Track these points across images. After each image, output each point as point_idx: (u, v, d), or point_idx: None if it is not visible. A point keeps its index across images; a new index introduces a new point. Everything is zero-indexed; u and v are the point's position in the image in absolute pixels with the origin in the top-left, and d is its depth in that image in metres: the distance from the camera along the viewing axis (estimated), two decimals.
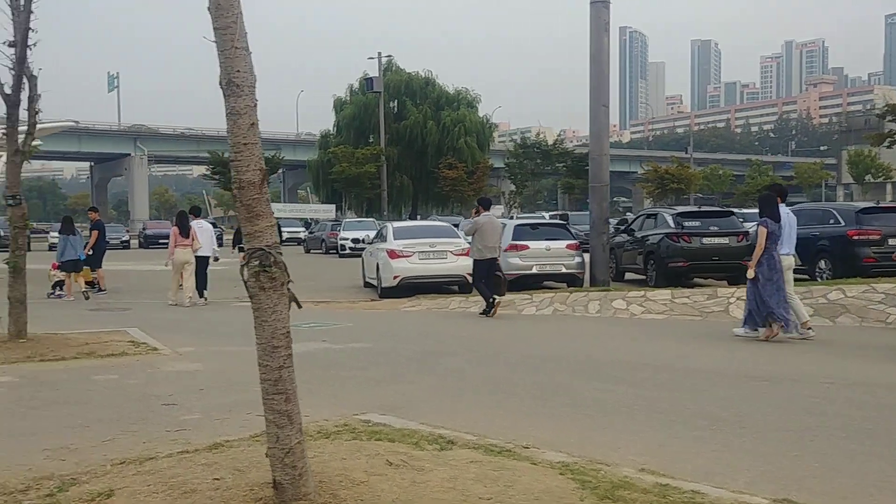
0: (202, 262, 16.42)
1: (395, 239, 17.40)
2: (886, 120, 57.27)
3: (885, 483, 4.52)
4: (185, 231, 16.00)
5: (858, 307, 11.55)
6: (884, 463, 4.89)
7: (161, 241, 39.11)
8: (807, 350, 9.51)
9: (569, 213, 40.72)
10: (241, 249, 17.40)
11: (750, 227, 15.93)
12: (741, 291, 11.61)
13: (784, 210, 10.52)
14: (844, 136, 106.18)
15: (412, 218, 56.38)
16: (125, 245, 47.02)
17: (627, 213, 52.51)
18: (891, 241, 15.24)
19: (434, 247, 17.09)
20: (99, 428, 5.71)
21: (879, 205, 19.29)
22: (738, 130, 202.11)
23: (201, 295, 16.29)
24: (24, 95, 9.29)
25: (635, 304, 13.37)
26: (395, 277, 16.79)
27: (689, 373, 8.14)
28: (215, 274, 17.52)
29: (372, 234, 26.13)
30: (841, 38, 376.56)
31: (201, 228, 16.56)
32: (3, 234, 24.67)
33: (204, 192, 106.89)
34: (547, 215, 38.81)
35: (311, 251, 40.58)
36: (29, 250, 10.13)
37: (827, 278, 14.95)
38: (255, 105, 3.67)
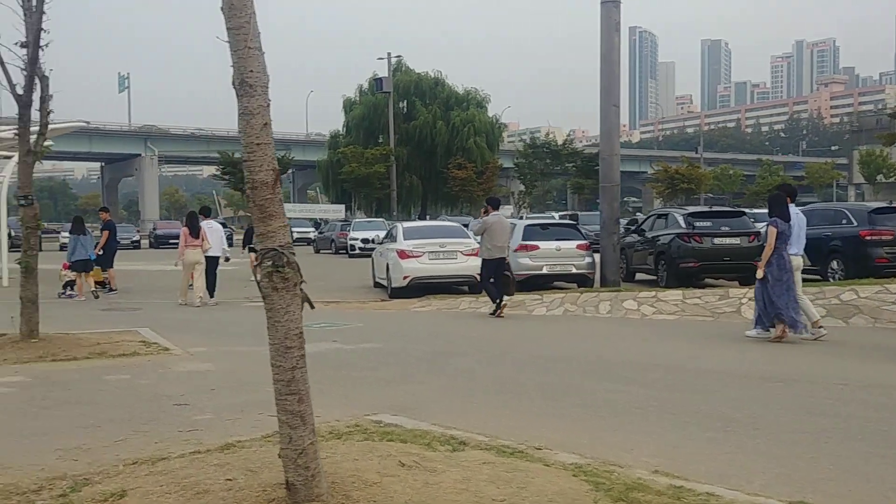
0: (212, 263, 16.46)
1: (405, 239, 17.39)
2: None
3: None
4: (195, 231, 16.05)
5: (872, 308, 11.46)
6: None
7: (171, 241, 39.28)
8: (820, 351, 9.45)
9: (578, 213, 40.61)
10: (251, 250, 17.46)
11: (761, 227, 15.86)
12: (753, 292, 11.54)
13: (794, 210, 10.46)
14: (855, 135, 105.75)
15: (421, 218, 56.39)
16: (136, 245, 47.22)
17: (637, 214, 52.40)
18: None
19: (444, 247, 17.08)
20: (111, 428, 5.71)
21: (892, 205, 19.15)
22: (749, 130, 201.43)
23: (212, 295, 16.32)
24: (36, 96, 9.32)
25: (646, 305, 13.32)
26: (405, 278, 16.78)
27: (701, 374, 8.10)
28: (225, 274, 17.56)
29: (381, 234, 26.15)
30: (852, 38, 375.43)
31: (211, 229, 16.60)
32: (13, 234, 24.71)
33: (214, 192, 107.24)
34: (556, 215, 38.71)
35: (321, 251, 40.63)
36: (40, 250, 10.15)
37: (839, 279, 14.87)
38: (268, 105, 3.65)
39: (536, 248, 17.04)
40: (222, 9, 3.60)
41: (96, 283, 17.96)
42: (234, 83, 3.61)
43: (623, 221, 21.85)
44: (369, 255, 22.16)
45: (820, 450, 5.20)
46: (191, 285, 16.21)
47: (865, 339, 10.39)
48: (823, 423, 5.90)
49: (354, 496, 3.76)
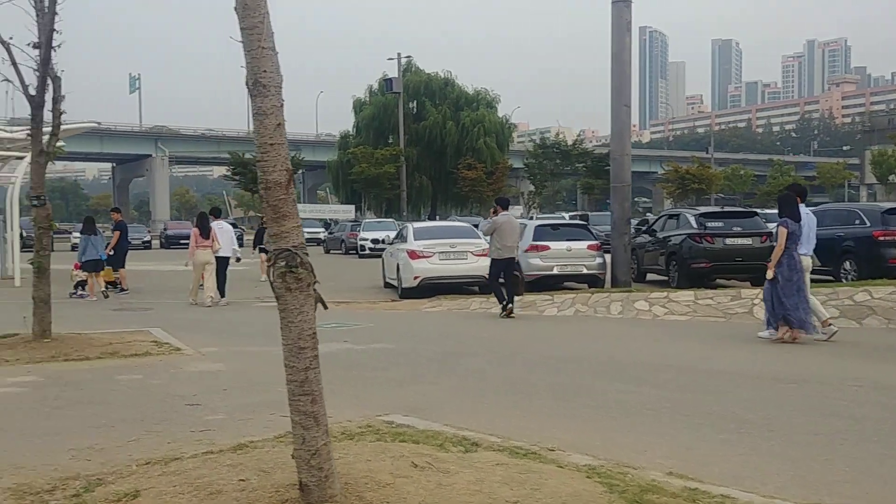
0: (222, 263, 16.50)
1: (415, 239, 17.39)
2: None
3: None
4: (205, 232, 16.10)
5: (885, 308, 11.38)
6: None
7: (182, 241, 39.40)
8: (833, 352, 9.39)
9: (589, 213, 40.53)
10: (261, 250, 17.50)
11: (772, 227, 15.79)
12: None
13: (804, 210, 10.40)
14: (867, 135, 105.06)
15: (431, 218, 56.39)
16: (146, 245, 47.41)
17: (647, 214, 52.27)
18: None
19: (454, 247, 17.07)
20: (123, 428, 5.72)
21: None
22: (760, 130, 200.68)
23: (223, 295, 16.36)
24: (49, 97, 9.36)
25: (658, 306, 13.27)
26: (415, 278, 16.78)
27: (713, 374, 8.05)
28: (236, 274, 17.60)
29: (391, 234, 26.18)
30: (864, 38, 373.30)
31: (221, 229, 16.64)
32: (25, 234, 24.83)
33: (224, 192, 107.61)
34: (567, 216, 38.65)
35: (331, 251, 40.68)
36: (52, 251, 10.19)
37: (852, 279, 14.78)
38: (282, 105, 3.64)
39: (547, 248, 17.01)
40: (236, 9, 3.60)
41: (107, 283, 18.04)
42: (247, 83, 3.61)
43: (633, 222, 21.80)
44: (379, 256, 22.17)
45: (835, 452, 5.16)
46: (202, 285, 16.27)
47: (879, 340, 10.32)
48: (838, 424, 5.86)
49: (368, 497, 3.75)
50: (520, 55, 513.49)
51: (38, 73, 9.14)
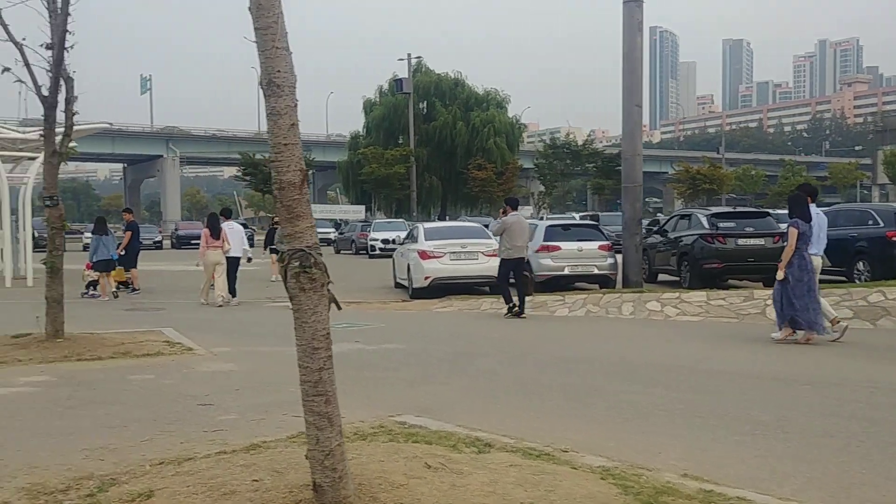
0: (233, 263, 16.54)
1: (426, 240, 17.38)
2: None
3: None
4: (215, 233, 16.16)
5: None
6: None
7: (193, 241, 39.58)
8: (848, 353, 9.32)
9: (599, 213, 40.43)
10: (272, 251, 17.52)
11: (783, 228, 15.71)
12: None
13: (814, 210, 10.34)
14: (880, 135, 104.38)
15: (441, 219, 56.41)
16: (158, 245, 47.61)
17: (658, 214, 52.14)
18: None
19: (465, 248, 17.06)
20: (136, 428, 5.73)
21: None
22: (771, 130, 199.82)
23: (234, 295, 16.40)
24: (62, 97, 9.38)
25: (670, 306, 13.22)
26: (426, 278, 16.78)
27: (726, 376, 8.00)
28: (247, 274, 17.64)
29: (401, 234, 26.18)
30: (876, 37, 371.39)
31: (232, 230, 16.70)
32: (37, 235, 24.96)
33: (235, 193, 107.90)
34: (577, 216, 38.56)
35: (342, 252, 40.74)
36: (64, 251, 10.22)
37: (865, 280, 14.69)
38: (296, 105, 3.63)
39: (558, 248, 16.98)
40: (250, 9, 3.59)
41: (119, 283, 18.12)
42: (261, 83, 3.60)
43: (644, 222, 21.73)
44: (389, 256, 22.18)
45: (851, 454, 5.11)
46: (212, 286, 16.32)
47: (894, 341, 10.25)
48: (853, 426, 5.81)
49: (382, 498, 3.74)
50: (520, 55, 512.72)
51: (50, 74, 9.17)
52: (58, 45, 9.02)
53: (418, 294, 17.02)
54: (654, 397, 6.89)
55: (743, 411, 6.31)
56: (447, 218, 56.02)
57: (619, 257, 17.18)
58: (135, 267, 18.88)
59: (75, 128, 10.09)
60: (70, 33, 9.08)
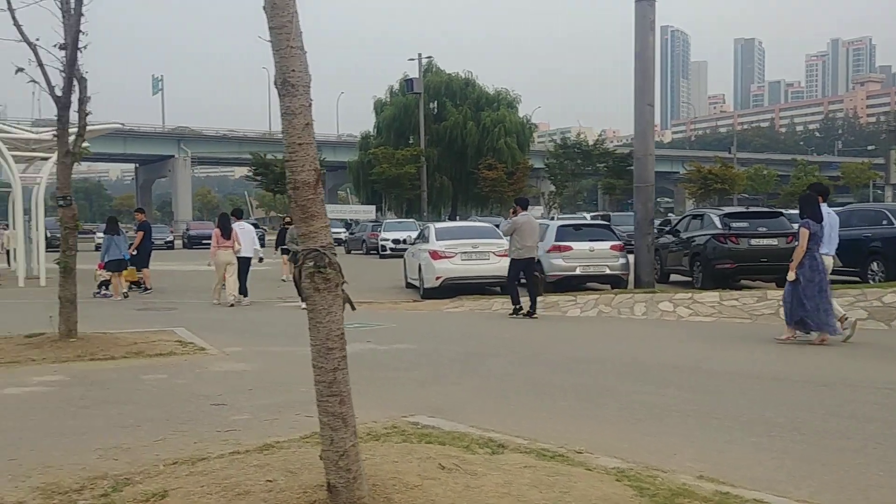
0: (244, 263, 16.57)
1: (437, 240, 17.37)
2: None
3: None
4: (226, 233, 16.20)
5: None
6: None
7: (204, 241, 39.70)
8: (863, 354, 9.25)
9: (611, 213, 40.32)
10: (283, 251, 17.49)
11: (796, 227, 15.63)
12: None
13: (825, 210, 10.28)
14: (893, 135, 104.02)
15: (452, 219, 56.40)
16: (169, 245, 47.80)
17: (669, 214, 51.93)
18: None
19: (476, 248, 17.04)
20: (150, 427, 5.73)
21: None
22: (783, 130, 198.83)
23: (245, 295, 16.43)
24: (75, 97, 9.41)
25: (682, 307, 13.16)
26: (437, 278, 16.76)
27: (740, 377, 7.95)
28: (258, 274, 17.67)
29: (412, 234, 26.18)
30: (889, 36, 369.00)
31: (242, 230, 16.73)
32: (50, 234, 25.06)
33: (246, 193, 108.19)
34: (588, 216, 38.46)
35: (352, 252, 40.77)
36: (77, 251, 10.25)
37: (880, 280, 14.58)
38: (310, 105, 3.62)
39: (570, 248, 16.93)
40: (264, 8, 3.58)
41: (130, 282, 18.18)
42: (275, 83, 3.59)
43: (656, 222, 21.65)
44: (400, 256, 22.17)
45: (868, 455, 5.07)
46: (224, 286, 16.36)
47: None
48: (870, 428, 5.76)
49: (396, 499, 3.73)
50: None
51: (64, 75, 9.20)
52: (71, 46, 9.04)
53: (429, 294, 17.01)
54: (666, 398, 6.85)
55: (758, 413, 6.26)
56: (458, 218, 55.99)
57: (631, 257, 17.12)
58: (147, 267, 18.94)
59: (88, 128, 10.12)
60: (83, 34, 9.10)
